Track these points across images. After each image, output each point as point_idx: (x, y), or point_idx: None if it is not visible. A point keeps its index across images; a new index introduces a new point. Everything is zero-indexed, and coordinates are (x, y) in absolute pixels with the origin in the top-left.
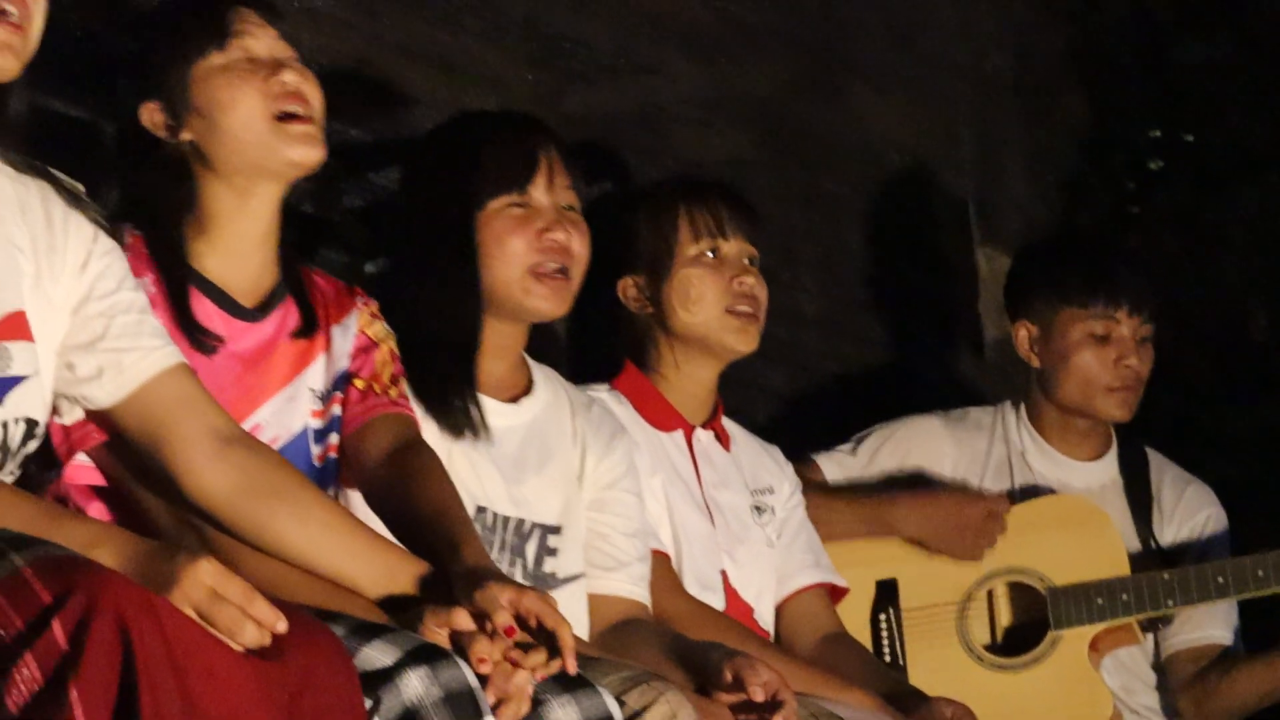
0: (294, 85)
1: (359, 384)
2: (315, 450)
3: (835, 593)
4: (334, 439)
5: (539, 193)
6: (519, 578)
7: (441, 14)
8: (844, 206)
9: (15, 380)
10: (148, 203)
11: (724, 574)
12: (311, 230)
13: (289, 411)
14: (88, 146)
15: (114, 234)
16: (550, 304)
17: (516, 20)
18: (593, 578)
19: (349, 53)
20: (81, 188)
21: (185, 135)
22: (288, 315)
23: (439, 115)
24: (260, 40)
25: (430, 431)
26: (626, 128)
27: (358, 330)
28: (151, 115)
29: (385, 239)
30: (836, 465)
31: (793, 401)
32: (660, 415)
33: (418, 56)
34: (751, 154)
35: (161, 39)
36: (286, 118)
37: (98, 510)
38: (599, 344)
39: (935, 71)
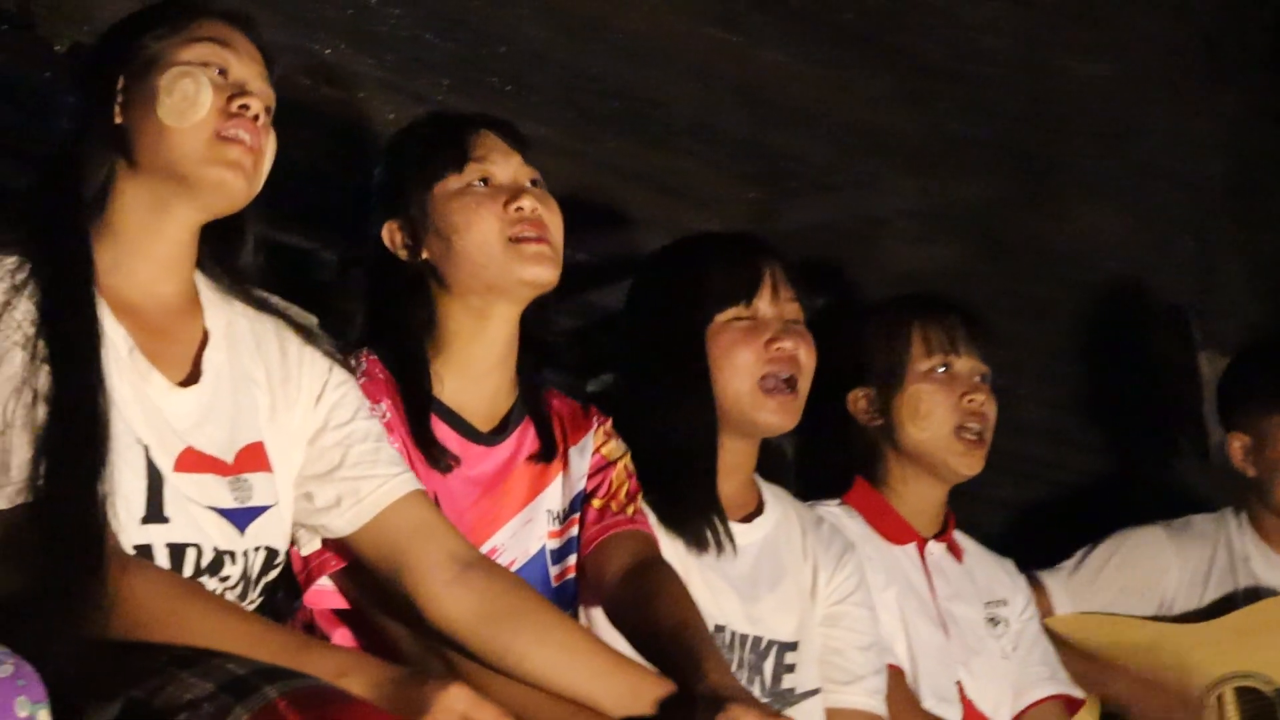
0: (531, 211)
1: (596, 503)
2: (553, 571)
3: (1071, 704)
4: (571, 559)
5: (764, 305)
6: (757, 695)
7: (662, 137)
8: (1062, 314)
9: (256, 511)
10: (389, 324)
11: (960, 686)
12: (532, 351)
13: (527, 534)
14: (317, 278)
15: (347, 364)
16: (779, 418)
17: (735, 140)
18: (829, 692)
19: (571, 177)
20: (314, 320)
21: (424, 255)
22: (525, 438)
23: (659, 235)
24: (501, 165)
25: (668, 551)
26: (843, 241)
27: (594, 450)
28: (393, 234)
29: (607, 358)
30: (1061, 585)
31: (1019, 511)
32: (893, 529)
33: (638, 178)
34: (968, 265)
35: (406, 160)
36: (520, 239)
37: (342, 635)
38: (826, 460)
39: (1149, 177)
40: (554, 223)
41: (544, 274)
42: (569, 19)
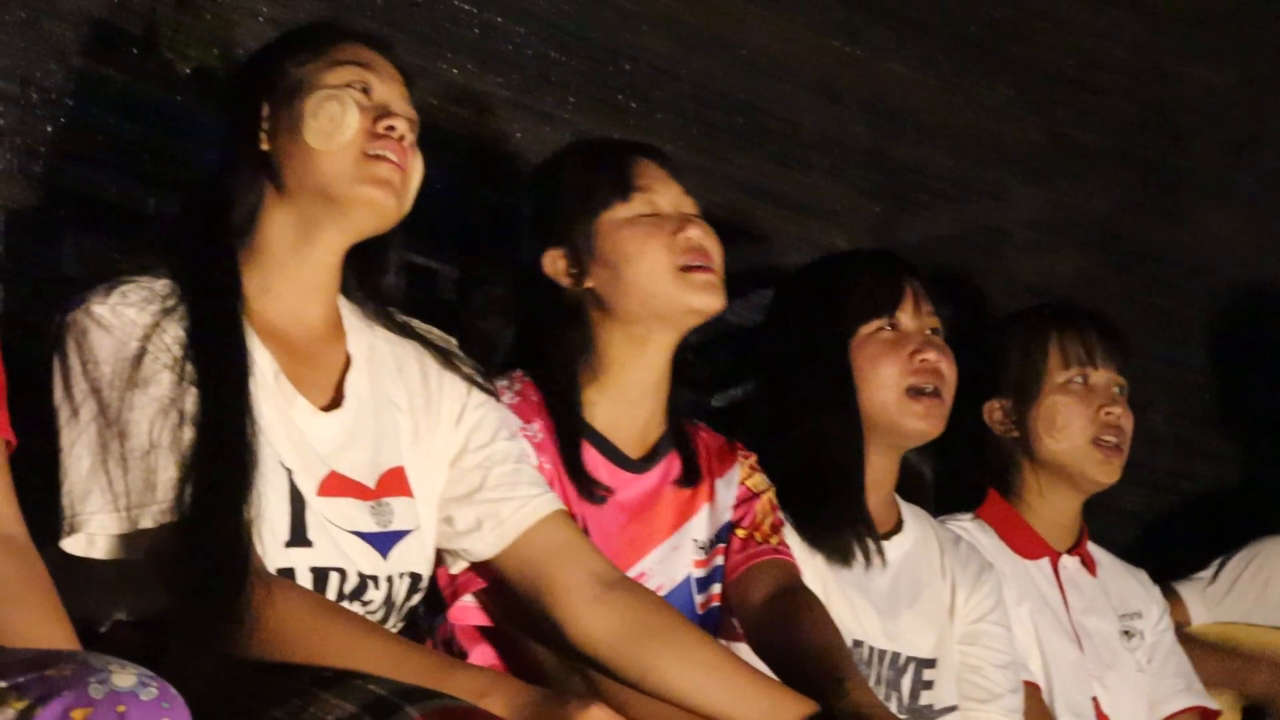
0: (698, 241)
1: (740, 533)
2: (698, 599)
3: (1207, 716)
4: (716, 588)
5: (906, 318)
6: (895, 711)
7: (787, 152)
8: (1188, 323)
9: (398, 535)
10: (543, 348)
11: (1095, 701)
12: (684, 381)
13: (673, 561)
14: (444, 296)
15: (487, 386)
16: (926, 423)
17: (859, 153)
18: (967, 710)
19: (695, 193)
20: (454, 342)
21: (588, 283)
22: (672, 466)
23: (784, 250)
24: (664, 194)
25: (808, 567)
26: (967, 253)
27: (739, 483)
28: (554, 262)
29: (734, 373)
30: (1198, 596)
31: (1149, 522)
32: (1026, 543)
33: (763, 194)
34: (1092, 274)
35: (566, 188)
36: (690, 268)
37: (484, 652)
38: (960, 473)
39: (1273, 183)
40: (717, 251)
41: (712, 302)
42: (694, 35)
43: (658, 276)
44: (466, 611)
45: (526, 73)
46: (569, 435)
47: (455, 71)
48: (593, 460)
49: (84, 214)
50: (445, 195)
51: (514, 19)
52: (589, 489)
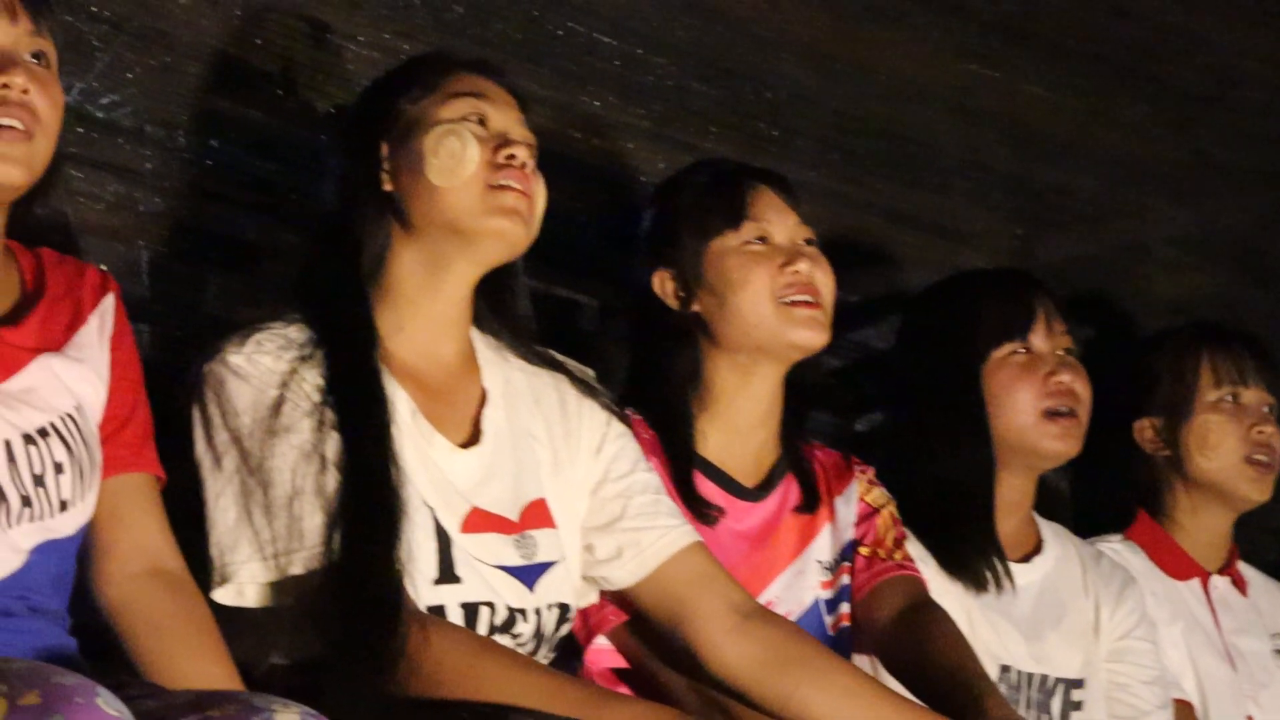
0: (805, 275)
1: (864, 551)
2: (828, 620)
3: None
4: (845, 608)
5: (1039, 340)
6: None
7: (927, 176)
8: None
9: (544, 567)
10: (653, 375)
11: None
12: (798, 394)
13: (799, 585)
14: (585, 328)
15: (626, 417)
16: (1064, 443)
17: (999, 175)
18: None
19: (837, 219)
20: (591, 373)
21: (694, 308)
22: (789, 492)
23: (927, 274)
24: (778, 224)
25: (950, 593)
26: (1109, 272)
27: (858, 499)
28: (663, 283)
29: (874, 398)
30: None
31: None
32: (1177, 564)
33: (904, 218)
34: (1234, 291)
35: (680, 211)
36: (794, 303)
37: (622, 692)
38: (1107, 494)
39: None
40: (827, 286)
41: (814, 339)
42: (832, 62)
43: (760, 307)
44: (601, 654)
45: (667, 104)
46: (681, 464)
47: (597, 104)
48: (707, 490)
49: (227, 255)
50: (588, 227)
51: (654, 50)
52: (703, 513)
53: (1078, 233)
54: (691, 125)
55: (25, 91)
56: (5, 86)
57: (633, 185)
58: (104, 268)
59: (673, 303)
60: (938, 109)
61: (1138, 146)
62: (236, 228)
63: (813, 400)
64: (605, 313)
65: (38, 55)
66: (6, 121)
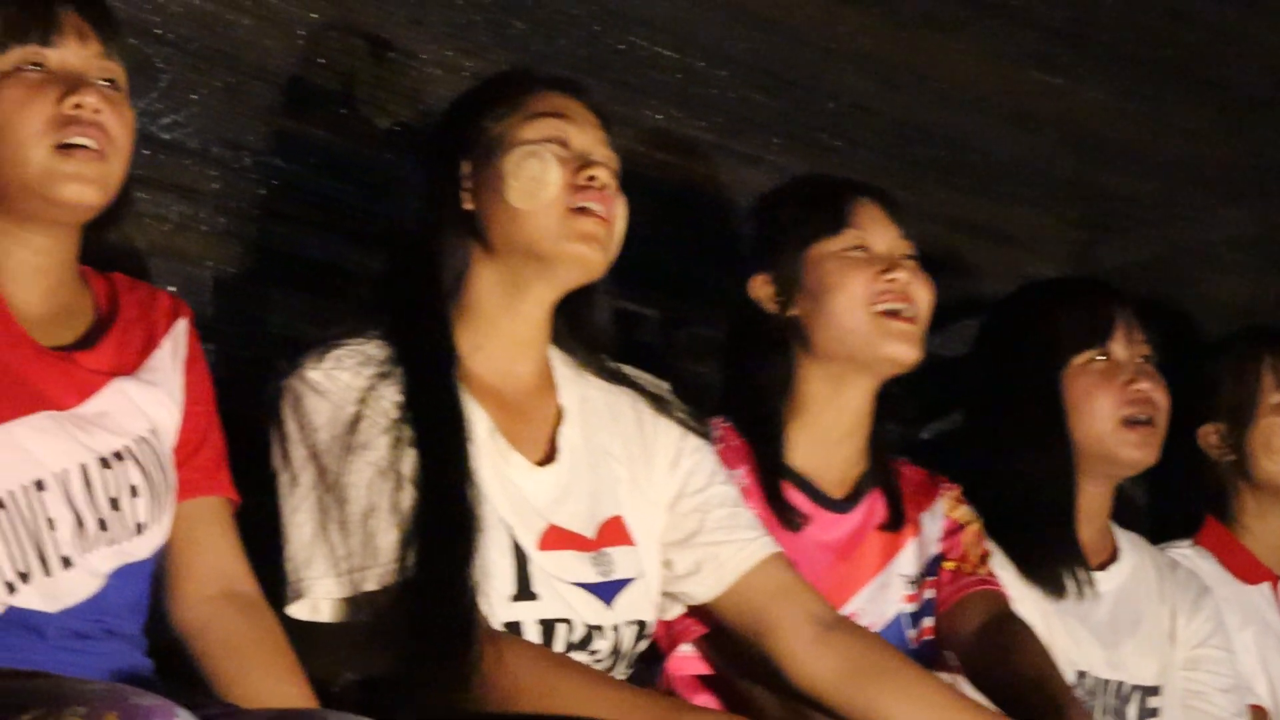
0: (902, 284)
1: (949, 565)
2: (910, 634)
3: None
4: (928, 622)
5: (1119, 347)
6: None
7: (988, 183)
8: None
9: (621, 583)
10: (746, 382)
11: None
12: (886, 423)
13: (882, 598)
14: (644, 339)
15: (702, 430)
16: (1142, 452)
17: (1060, 181)
18: None
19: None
20: (667, 387)
21: (791, 312)
22: (875, 506)
23: (988, 281)
24: (879, 235)
25: (1027, 599)
26: (1171, 277)
27: (944, 515)
28: (761, 287)
29: (941, 405)
30: None
31: None
32: (1246, 568)
33: (966, 226)
34: None
35: (783, 217)
36: (889, 314)
37: (703, 700)
38: (1176, 499)
39: None
40: (924, 300)
41: (907, 353)
42: (893, 71)
43: (855, 312)
44: (684, 661)
45: (730, 116)
46: (770, 470)
47: (659, 117)
48: (795, 500)
49: (292, 274)
50: (652, 240)
51: (715, 63)
52: (789, 518)
53: (1139, 237)
54: (754, 137)
55: (97, 111)
56: (78, 106)
57: (695, 198)
58: (172, 290)
59: (769, 307)
60: (998, 116)
61: (1198, 150)
62: (301, 247)
63: (882, 410)
64: (667, 325)
65: (108, 78)
66: (81, 141)
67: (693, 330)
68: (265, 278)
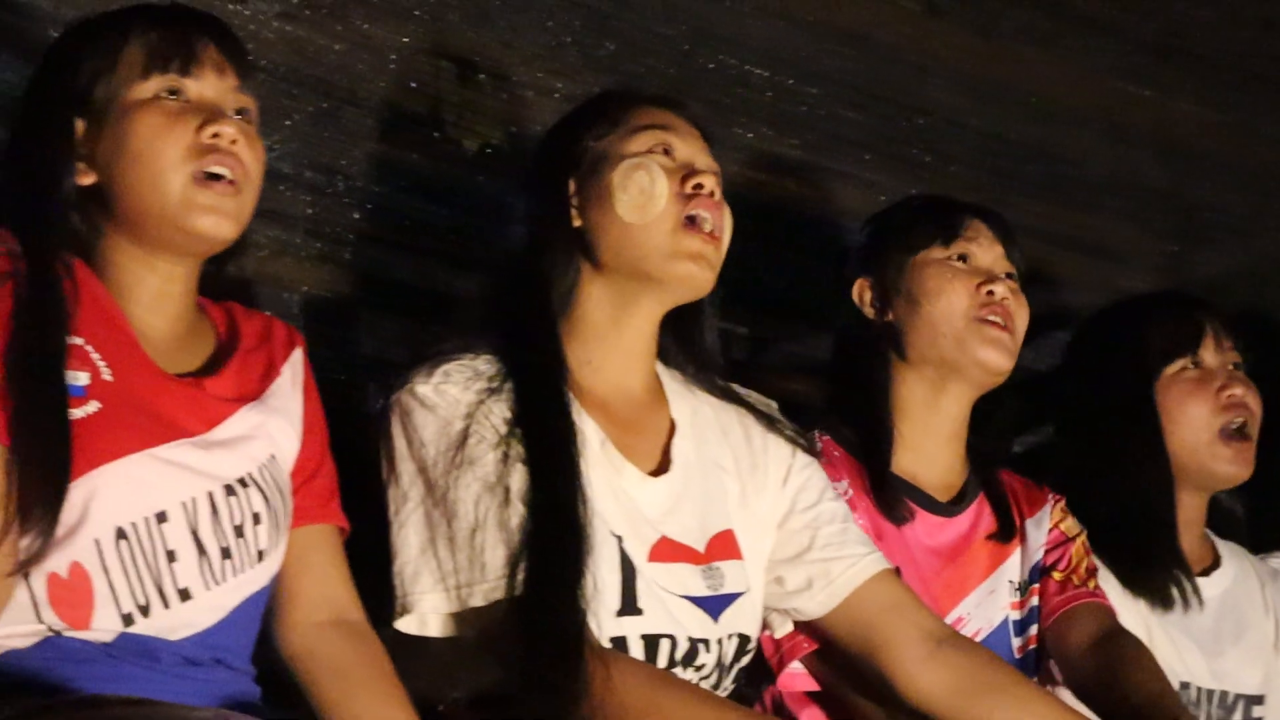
0: (1000, 296)
1: (1057, 576)
2: (1016, 642)
3: None
4: (1033, 630)
5: (1209, 355)
6: None
7: (1080, 196)
8: None
9: (729, 598)
10: (849, 391)
11: None
12: (985, 429)
13: (990, 604)
14: (743, 358)
15: (811, 448)
16: (1236, 468)
17: (1152, 193)
18: None
19: None
20: (775, 405)
21: (889, 317)
22: (982, 512)
23: (1082, 294)
24: (984, 250)
25: (1130, 610)
26: (1264, 288)
27: (1050, 525)
28: (862, 291)
29: (1032, 418)
30: None
31: None
32: None
33: (1058, 239)
34: None
35: (893, 226)
36: (986, 321)
37: (811, 715)
38: (1269, 512)
39: None
40: (1020, 317)
41: (999, 361)
42: (983, 85)
43: (952, 319)
44: (794, 678)
45: (821, 133)
46: (878, 475)
47: (750, 136)
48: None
49: (385, 297)
50: (743, 258)
51: (806, 80)
52: (899, 515)
53: (1230, 248)
54: (845, 153)
55: (234, 142)
56: (216, 136)
57: (787, 214)
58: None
59: (868, 311)
60: (1088, 129)
61: None
62: (393, 269)
63: (974, 423)
64: (758, 342)
65: (241, 111)
66: (219, 170)
67: (783, 347)
68: (357, 301)
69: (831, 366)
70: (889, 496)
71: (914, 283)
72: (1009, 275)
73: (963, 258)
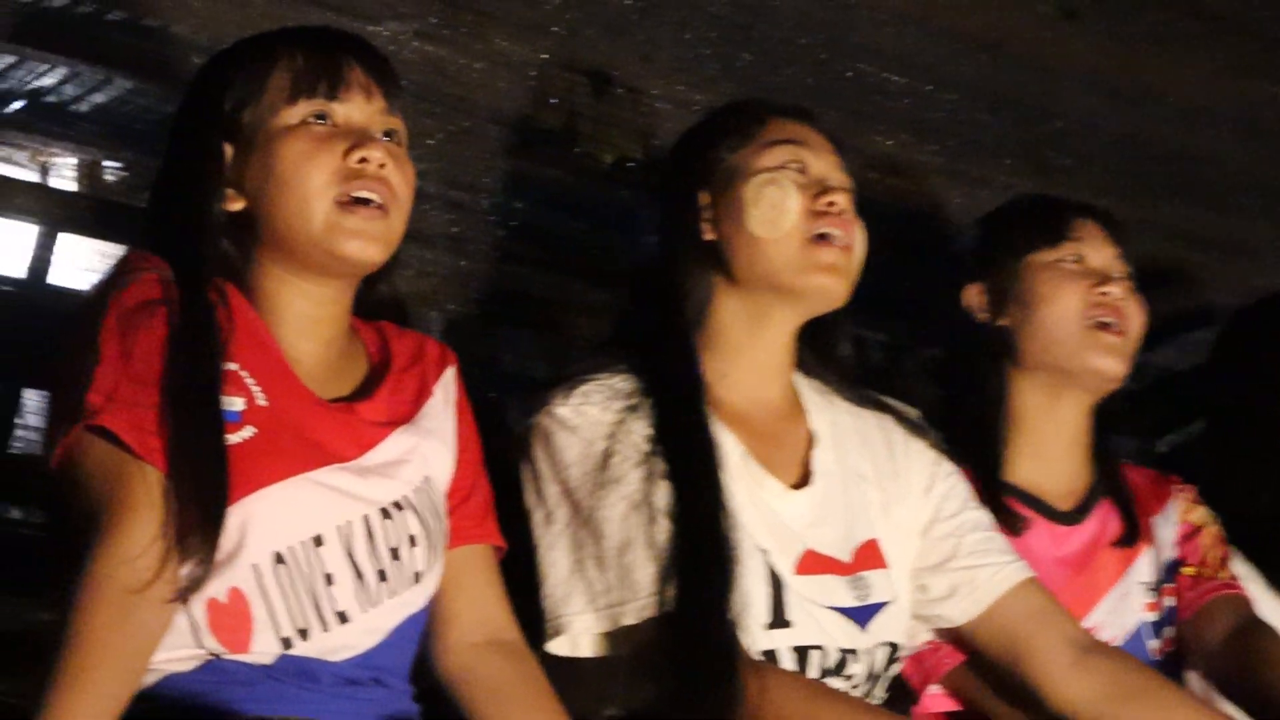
0: (1115, 300)
1: (1189, 570)
2: (1153, 645)
3: None
4: (1169, 632)
5: None
6: None
7: (1219, 197)
8: None
9: (877, 607)
10: (962, 399)
11: None
12: (1107, 433)
13: (1123, 609)
14: (881, 365)
15: (954, 456)
16: None
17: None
18: None
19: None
20: (916, 412)
21: (1002, 321)
22: (1108, 517)
23: (1222, 296)
24: (1096, 252)
25: (1266, 602)
26: None
27: (1179, 519)
28: (974, 296)
29: (1178, 419)
30: None
31: None
32: None
33: (1199, 241)
34: None
35: (1002, 228)
36: (1101, 326)
37: None
38: None
39: None
40: (1136, 318)
41: (1113, 368)
42: (1119, 87)
43: (1065, 323)
44: (936, 700)
45: (960, 139)
46: (991, 483)
47: (889, 143)
48: (1019, 512)
49: (524, 312)
50: (883, 266)
51: (943, 87)
52: (1011, 522)
53: None
54: (983, 159)
55: (382, 166)
56: (364, 161)
57: (927, 222)
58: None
59: (981, 316)
60: (1225, 128)
61: None
62: (533, 285)
63: (1116, 424)
64: (897, 349)
65: (389, 133)
66: (366, 195)
67: (923, 354)
68: (497, 317)
69: (945, 373)
70: (1000, 506)
71: (1025, 286)
72: (1125, 276)
73: (1077, 259)
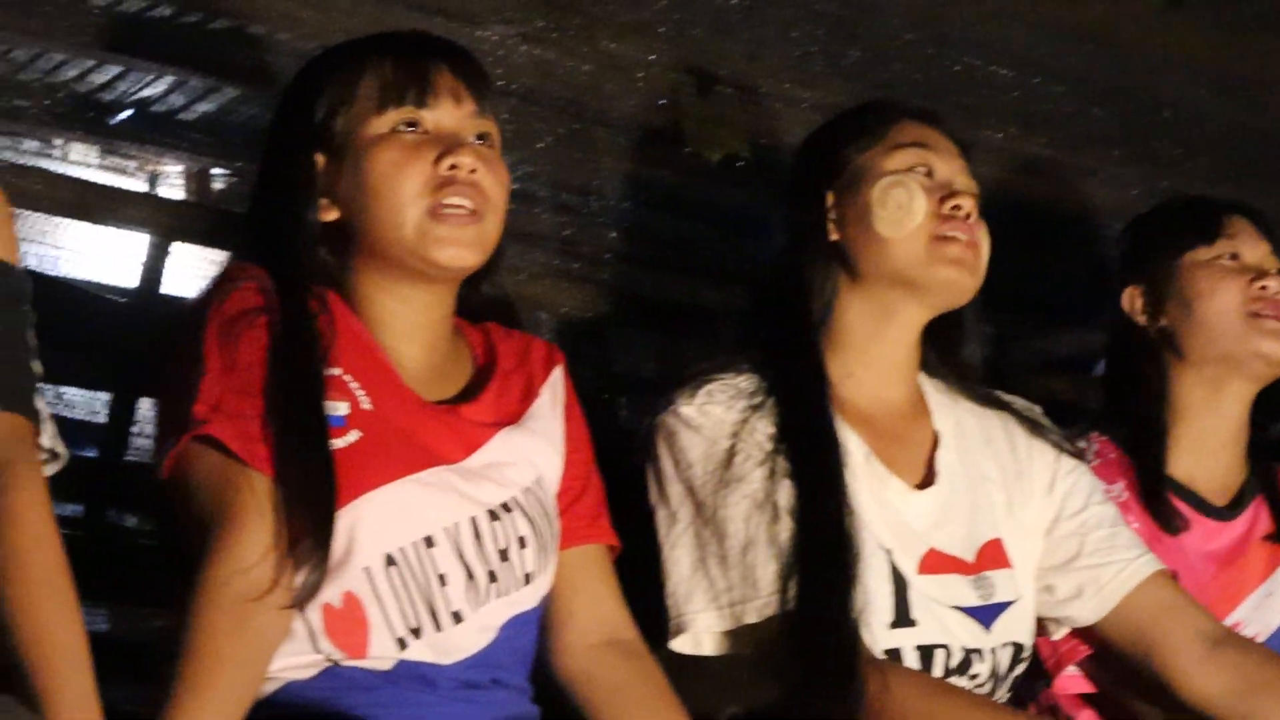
0: (1273, 291)
1: None
2: None
3: None
4: None
5: None
6: None
7: None
8: None
9: (1001, 607)
10: (1124, 397)
11: None
12: (1266, 427)
13: (1267, 608)
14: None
15: (1076, 451)
16: None
17: None
18: None
19: None
20: (1038, 410)
21: (1162, 321)
22: (1260, 513)
23: None
24: (1250, 247)
25: None
26: None
27: None
28: (1133, 299)
29: None
30: None
31: None
32: None
33: None
34: None
35: (1156, 229)
36: (1262, 315)
37: (1087, 717)
38: None
39: None
40: None
41: (1279, 349)
42: (1227, 77)
43: (1227, 317)
44: (1071, 681)
45: (1069, 131)
46: (1152, 478)
47: (999, 136)
48: (1178, 507)
49: (638, 314)
50: (997, 259)
51: (1051, 79)
52: (1170, 522)
53: None
54: (1092, 150)
55: (473, 172)
56: (454, 167)
57: (1038, 213)
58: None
59: (1140, 319)
60: None
61: None
62: (646, 286)
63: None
64: (1007, 341)
65: (482, 136)
66: (456, 201)
67: (1036, 346)
68: (610, 319)
69: (1106, 372)
70: (1162, 507)
71: (1185, 285)
72: (1277, 271)
73: (1233, 256)
